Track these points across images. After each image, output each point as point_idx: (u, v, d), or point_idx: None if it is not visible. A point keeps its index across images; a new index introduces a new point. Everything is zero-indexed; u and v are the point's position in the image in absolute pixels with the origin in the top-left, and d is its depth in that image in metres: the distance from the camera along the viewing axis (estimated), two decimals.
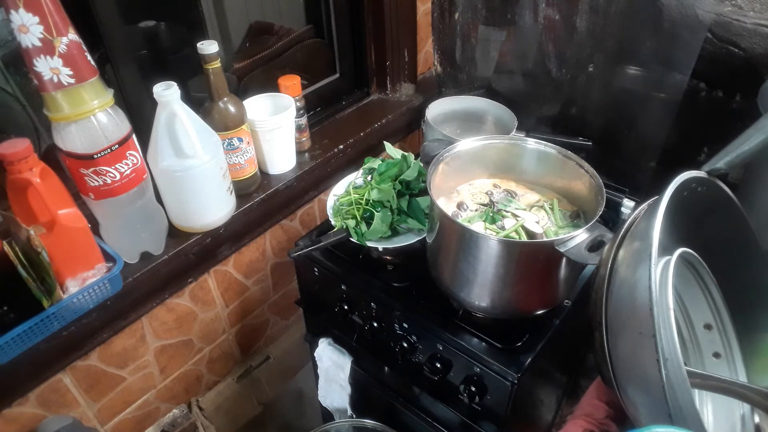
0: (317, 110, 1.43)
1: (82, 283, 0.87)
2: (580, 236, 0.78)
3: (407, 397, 1.15)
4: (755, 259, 0.84)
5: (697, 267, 0.85)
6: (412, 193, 1.05)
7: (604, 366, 0.74)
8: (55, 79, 0.76)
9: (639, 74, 1.17)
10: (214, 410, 1.35)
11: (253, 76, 1.35)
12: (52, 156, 0.88)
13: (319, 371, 1.26)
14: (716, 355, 0.87)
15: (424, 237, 1.00)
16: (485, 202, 0.99)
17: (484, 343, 0.93)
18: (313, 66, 1.43)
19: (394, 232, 1.04)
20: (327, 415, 1.37)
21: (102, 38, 0.96)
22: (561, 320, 0.96)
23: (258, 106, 1.18)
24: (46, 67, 0.75)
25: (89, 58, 0.79)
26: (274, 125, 1.14)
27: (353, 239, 1.01)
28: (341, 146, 1.32)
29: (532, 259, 0.84)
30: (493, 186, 1.03)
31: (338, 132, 1.37)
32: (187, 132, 0.93)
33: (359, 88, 1.53)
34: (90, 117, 0.81)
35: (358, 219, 1.02)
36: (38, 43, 0.73)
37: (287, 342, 1.51)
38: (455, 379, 0.97)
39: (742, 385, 0.76)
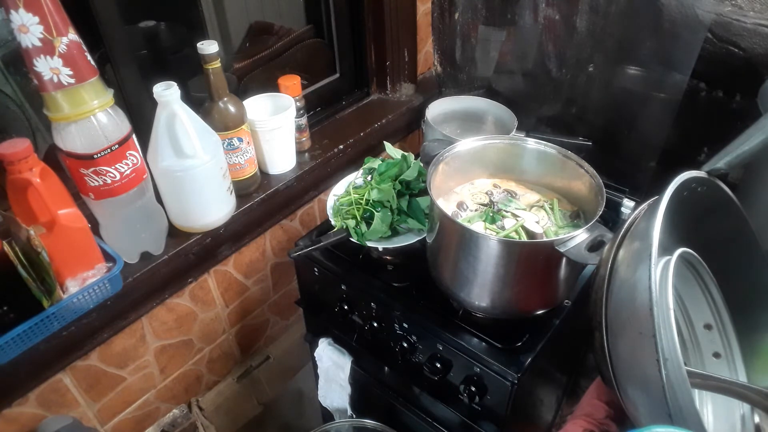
0: (317, 110, 1.43)
1: (82, 283, 0.87)
2: (580, 236, 0.78)
3: (407, 397, 1.15)
4: (755, 259, 0.84)
5: (697, 267, 0.85)
6: (412, 193, 1.05)
7: (604, 366, 0.74)
8: (55, 79, 0.76)
9: (639, 74, 1.17)
10: (214, 410, 1.35)
11: (253, 76, 1.35)
12: (52, 156, 0.88)
13: (319, 371, 1.26)
14: (716, 355, 0.87)
15: (424, 237, 1.00)
16: (485, 202, 0.99)
17: (484, 343, 0.93)
18: (313, 66, 1.43)
19: (394, 232, 1.04)
20: (327, 415, 1.37)
21: (102, 38, 0.96)
22: (561, 320, 0.96)
23: (258, 106, 1.18)
24: (46, 67, 0.75)
25: (89, 58, 0.79)
26: (274, 125, 1.14)
27: (353, 239, 1.01)
28: (341, 146, 1.32)
29: (532, 259, 0.84)
30: (493, 186, 1.03)
31: (338, 132, 1.37)
32: (187, 132, 0.93)
33: (359, 88, 1.53)
34: (90, 117, 0.81)
35: (358, 219, 1.02)
36: (38, 43, 0.73)
37: (287, 342, 1.51)
38: (455, 379, 0.97)
39: (742, 385, 0.76)
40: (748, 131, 0.79)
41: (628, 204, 1.16)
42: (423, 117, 1.31)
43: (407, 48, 1.48)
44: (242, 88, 1.32)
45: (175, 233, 1.06)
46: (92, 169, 0.85)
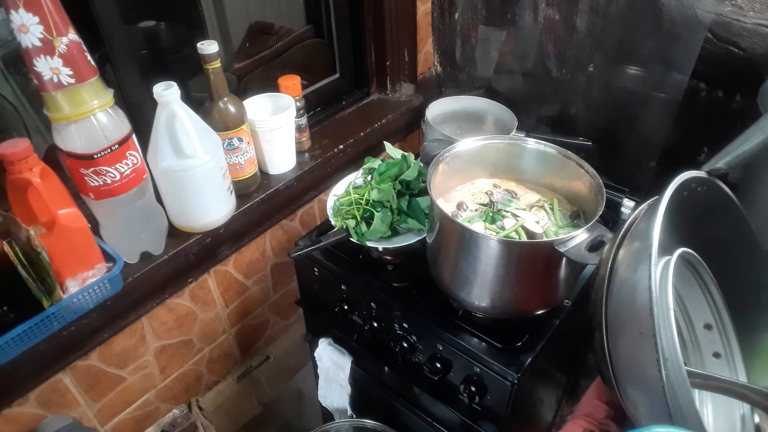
0: (317, 110, 1.43)
1: (82, 283, 0.87)
2: (580, 236, 0.78)
3: (407, 397, 1.14)
4: (755, 259, 0.84)
5: (697, 267, 0.85)
6: (412, 193, 1.05)
7: (604, 366, 0.74)
8: (55, 79, 0.76)
9: (639, 74, 1.17)
10: (214, 410, 1.35)
11: (253, 76, 1.34)
12: (52, 156, 0.88)
13: (319, 371, 1.26)
14: (716, 355, 0.87)
15: (424, 237, 1.00)
16: (485, 202, 0.99)
17: (484, 343, 0.93)
18: (313, 66, 1.43)
19: (394, 232, 1.04)
20: (327, 415, 1.37)
21: (102, 38, 0.96)
22: (561, 320, 0.96)
23: (258, 106, 1.18)
24: (46, 67, 0.75)
25: (89, 58, 0.79)
26: (274, 125, 1.14)
27: (353, 239, 1.01)
28: (341, 146, 1.32)
29: (532, 259, 0.84)
30: (493, 186, 1.03)
31: (338, 132, 1.37)
32: (187, 132, 0.93)
33: (359, 88, 1.53)
34: (90, 117, 0.81)
35: (358, 219, 1.02)
36: (38, 43, 0.73)
37: (287, 342, 1.51)
38: (455, 379, 0.97)
39: (742, 385, 0.76)
40: (748, 131, 0.79)
41: (628, 204, 1.16)
42: (423, 117, 1.31)
43: (407, 48, 1.48)
44: (242, 88, 1.32)
45: (175, 233, 1.06)
46: (92, 169, 0.85)
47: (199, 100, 1.06)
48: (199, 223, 1.06)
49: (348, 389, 1.22)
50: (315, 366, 1.27)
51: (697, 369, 0.85)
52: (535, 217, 0.94)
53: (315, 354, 1.24)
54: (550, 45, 1.27)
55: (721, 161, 0.78)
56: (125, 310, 1.04)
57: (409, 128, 1.55)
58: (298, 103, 1.21)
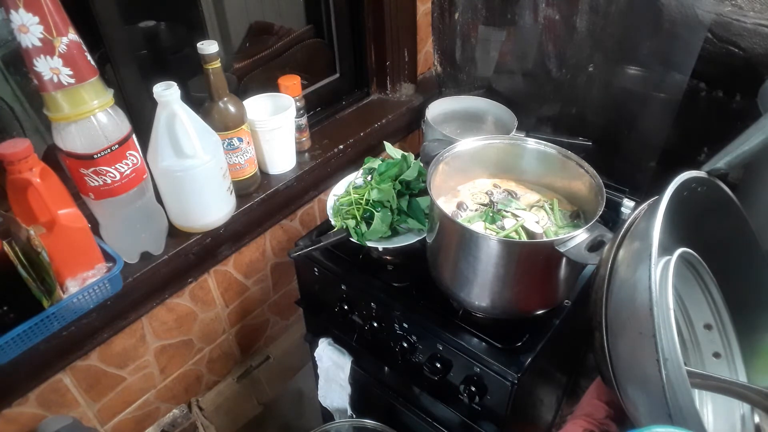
0: (317, 110, 1.43)
1: (82, 283, 0.87)
2: (580, 236, 0.78)
3: (407, 397, 1.14)
4: (755, 259, 0.84)
5: (697, 267, 0.85)
6: (412, 193, 1.05)
7: (604, 366, 0.74)
8: (55, 79, 0.76)
9: (639, 74, 1.17)
10: (214, 410, 1.35)
11: (253, 76, 1.34)
12: (52, 156, 0.88)
13: (319, 371, 1.26)
14: (716, 355, 0.87)
15: (424, 237, 1.00)
16: (485, 202, 0.99)
17: (484, 343, 0.93)
18: (313, 66, 1.43)
19: (394, 232, 1.04)
20: (327, 415, 1.37)
21: (102, 38, 0.96)
22: (561, 320, 0.96)
23: (258, 106, 1.18)
24: (46, 67, 0.75)
25: (89, 58, 0.79)
26: (274, 125, 1.14)
27: (353, 239, 1.01)
28: (341, 146, 1.32)
29: (532, 259, 0.84)
30: (493, 186, 1.03)
31: (338, 132, 1.37)
32: (187, 132, 0.93)
33: (359, 88, 1.53)
34: (90, 117, 0.81)
35: (358, 219, 1.02)
36: (38, 43, 0.73)
37: (287, 342, 1.51)
38: (455, 379, 0.97)
39: (742, 385, 0.76)
40: (748, 131, 0.79)
41: (628, 204, 1.16)
42: (423, 117, 1.31)
43: (407, 48, 1.48)
44: (242, 88, 1.32)
45: (175, 233, 1.06)
46: (92, 169, 0.85)
47: (199, 100, 1.06)
48: (199, 223, 1.06)
49: (348, 389, 1.22)
50: (315, 366, 1.27)
51: (697, 369, 0.85)
52: (535, 217, 0.94)
53: (315, 354, 1.24)
54: (550, 45, 1.27)
55: (721, 161, 0.78)
56: (125, 310, 1.04)
57: (409, 128, 1.55)
58: (298, 103, 1.21)
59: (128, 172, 0.88)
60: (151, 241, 1.01)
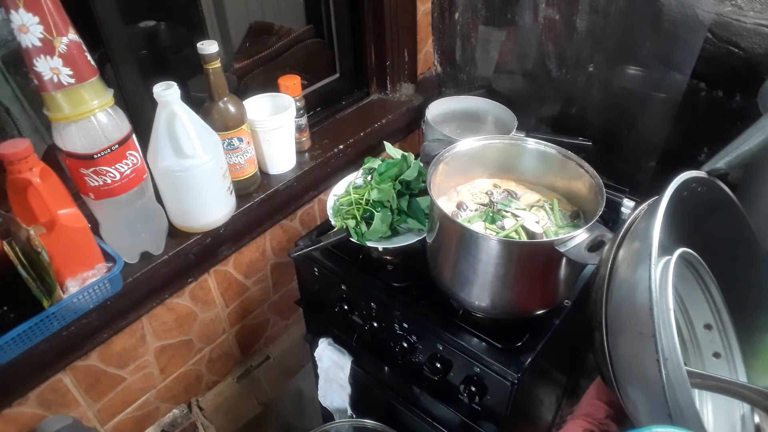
0: (317, 110, 1.43)
1: (82, 283, 0.87)
2: (580, 236, 0.78)
3: (407, 397, 1.14)
4: (755, 259, 0.84)
5: (697, 267, 0.85)
6: (412, 193, 1.05)
7: (604, 366, 0.74)
8: (55, 79, 0.76)
9: (639, 74, 1.17)
10: (214, 410, 1.35)
11: (253, 76, 1.34)
12: (52, 156, 0.88)
13: (319, 371, 1.26)
14: (716, 355, 0.87)
15: (424, 237, 1.00)
16: (485, 202, 0.99)
17: (484, 343, 0.93)
18: (313, 66, 1.43)
19: (394, 232, 1.04)
20: (327, 415, 1.37)
21: (102, 38, 0.96)
22: (561, 320, 0.96)
23: (258, 106, 1.18)
24: (46, 67, 0.75)
25: (89, 58, 0.79)
26: (274, 125, 1.14)
27: (353, 239, 1.01)
28: (341, 146, 1.32)
29: (532, 259, 0.84)
30: (493, 186, 1.03)
31: (338, 132, 1.37)
32: (187, 132, 0.93)
33: (359, 88, 1.53)
34: (90, 117, 0.81)
35: (358, 219, 1.02)
36: (38, 43, 0.73)
37: (287, 342, 1.51)
38: (455, 379, 0.97)
39: (742, 385, 0.76)
40: (748, 131, 0.79)
41: (628, 204, 1.16)
42: (423, 117, 1.31)
43: (407, 48, 1.48)
44: (242, 88, 1.32)
45: (175, 233, 1.06)
46: (92, 169, 0.85)
47: (199, 100, 1.06)
48: (199, 223, 1.06)
49: (348, 389, 1.22)
50: (315, 366, 1.27)
51: (697, 369, 0.85)
52: (535, 217, 0.94)
53: (315, 354, 1.24)
54: (550, 45, 1.27)
55: (721, 161, 0.78)
56: (125, 310, 1.04)
57: (409, 128, 1.55)
58: (298, 103, 1.21)
59: (128, 172, 0.88)
60: (151, 241, 1.01)
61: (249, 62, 1.35)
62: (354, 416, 1.28)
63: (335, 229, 1.04)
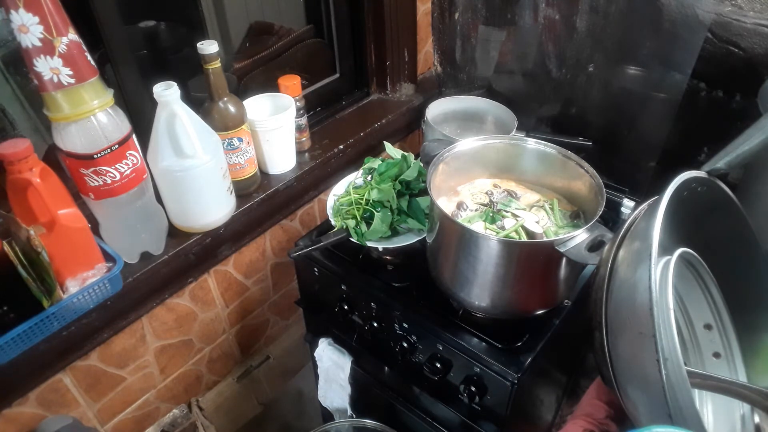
0: (317, 110, 1.43)
1: (82, 283, 0.87)
2: (580, 236, 0.78)
3: (407, 397, 1.15)
4: (755, 259, 0.84)
5: (697, 267, 0.85)
6: (412, 193, 1.05)
7: (604, 366, 0.74)
8: (55, 79, 0.76)
9: (639, 74, 1.17)
10: (214, 410, 1.35)
11: (253, 76, 1.34)
12: (52, 156, 0.88)
13: (319, 371, 1.26)
14: (716, 355, 0.87)
15: (424, 237, 1.00)
16: (485, 202, 0.99)
17: (484, 343, 0.93)
18: (313, 66, 1.43)
19: (394, 232, 1.04)
20: (327, 415, 1.37)
21: (102, 38, 0.96)
22: (561, 320, 0.96)
23: (258, 106, 1.18)
24: (46, 67, 0.75)
25: (89, 58, 0.79)
26: (274, 125, 1.14)
27: (353, 239, 1.01)
28: (341, 146, 1.32)
29: (532, 259, 0.84)
30: (493, 186, 1.03)
31: (338, 132, 1.37)
32: (187, 132, 0.93)
33: (359, 88, 1.53)
34: (90, 117, 0.81)
35: (358, 219, 1.02)
36: (38, 43, 0.73)
37: (287, 342, 1.51)
38: (455, 379, 0.97)
39: (742, 385, 0.76)
40: (748, 131, 0.79)
41: (628, 204, 1.16)
42: (423, 117, 1.31)
43: (407, 48, 1.48)
44: (242, 88, 1.32)
45: (175, 233, 1.06)
46: (92, 169, 0.85)
47: (199, 100, 1.06)
48: (199, 223, 1.06)
49: (348, 389, 1.22)
50: (315, 366, 1.27)
51: (697, 369, 0.85)
52: (535, 217, 0.94)
53: (315, 354, 1.24)
54: (550, 45, 1.27)
55: (721, 161, 0.78)
56: (125, 310, 1.04)
57: (409, 128, 1.55)
58: (298, 103, 1.21)
59: (128, 172, 0.88)
60: (151, 241, 1.01)
61: (249, 62, 1.35)
62: (354, 416, 1.28)
63: (335, 229, 1.04)
